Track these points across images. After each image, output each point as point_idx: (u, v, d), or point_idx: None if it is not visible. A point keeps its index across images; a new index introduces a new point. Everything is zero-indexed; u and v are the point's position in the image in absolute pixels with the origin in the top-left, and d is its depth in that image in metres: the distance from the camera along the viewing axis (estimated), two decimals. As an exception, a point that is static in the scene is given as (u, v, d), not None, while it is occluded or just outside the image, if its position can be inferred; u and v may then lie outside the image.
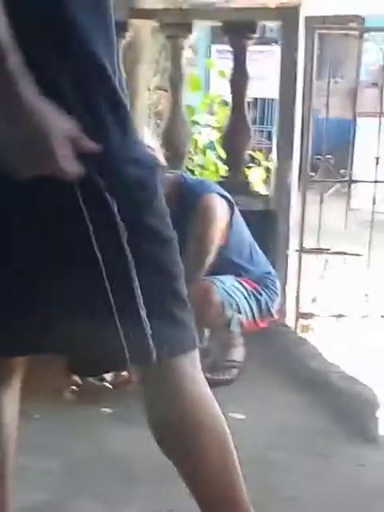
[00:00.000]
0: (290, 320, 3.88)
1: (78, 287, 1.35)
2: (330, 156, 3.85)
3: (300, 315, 3.96)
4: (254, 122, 6.69)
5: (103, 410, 2.89)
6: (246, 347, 3.30)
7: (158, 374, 1.46)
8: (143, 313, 1.38)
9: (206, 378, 3.14)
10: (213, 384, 3.07)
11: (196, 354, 1.50)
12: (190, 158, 4.36)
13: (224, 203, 3.18)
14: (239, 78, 3.81)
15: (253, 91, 4.26)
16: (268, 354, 3.48)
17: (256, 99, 8.80)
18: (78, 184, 1.28)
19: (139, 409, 2.81)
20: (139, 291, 1.36)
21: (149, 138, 4.53)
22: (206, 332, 3.42)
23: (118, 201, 1.33)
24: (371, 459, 2.52)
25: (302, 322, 3.97)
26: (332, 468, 2.45)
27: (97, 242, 1.32)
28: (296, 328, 3.94)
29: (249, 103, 4.08)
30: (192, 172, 4.35)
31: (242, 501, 1.56)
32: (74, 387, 2.99)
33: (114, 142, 1.34)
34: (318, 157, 3.85)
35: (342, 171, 3.88)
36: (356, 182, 3.89)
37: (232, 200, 3.23)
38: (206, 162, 4.54)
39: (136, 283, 1.37)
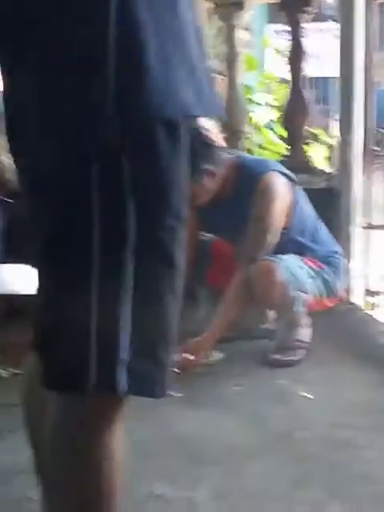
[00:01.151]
0: (357, 298, 3.82)
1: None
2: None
3: (368, 293, 3.89)
4: (318, 102, 6.62)
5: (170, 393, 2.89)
6: (313, 327, 3.26)
7: (79, 408, 1.24)
8: (125, 337, 1.20)
9: (274, 360, 3.17)
10: (280, 365, 3.13)
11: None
12: (248, 138, 4.31)
13: (285, 181, 3.13)
14: (296, 55, 3.76)
15: (316, 70, 4.19)
16: (335, 333, 3.43)
17: (318, 78, 8.70)
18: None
19: (207, 392, 2.86)
20: (129, 309, 1.19)
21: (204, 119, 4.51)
22: (272, 313, 3.40)
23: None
24: None
25: (369, 299, 3.90)
26: (405, 445, 2.40)
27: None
28: (364, 306, 3.87)
29: (311, 81, 4.01)
30: (251, 152, 4.30)
31: None
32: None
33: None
34: (382, 130, 3.75)
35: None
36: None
37: (294, 178, 3.17)
38: (264, 142, 4.48)
39: (126, 300, 1.19)
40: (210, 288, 3.39)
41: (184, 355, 2.96)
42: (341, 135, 3.67)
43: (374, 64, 3.70)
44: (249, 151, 4.35)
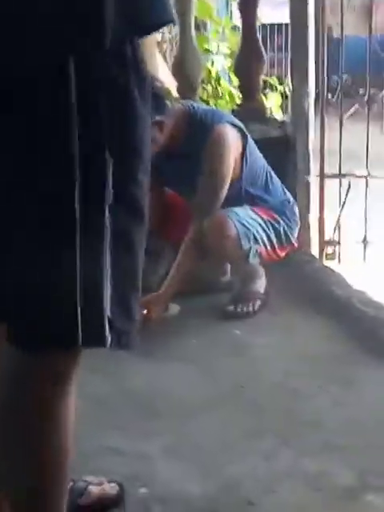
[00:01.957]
0: (314, 248, 3.82)
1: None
2: (346, 76, 3.72)
3: (324, 243, 3.90)
4: (281, 49, 6.50)
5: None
6: (269, 277, 3.26)
7: (31, 364, 1.27)
8: (107, 292, 1.22)
9: (230, 312, 3.18)
10: (236, 317, 3.13)
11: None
12: (203, 88, 4.25)
13: (236, 133, 3.08)
14: (247, 1, 3.68)
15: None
16: (291, 284, 3.43)
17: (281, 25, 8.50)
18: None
19: (163, 345, 2.86)
20: (109, 266, 1.21)
21: (159, 70, 4.44)
22: (228, 265, 3.39)
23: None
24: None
25: (326, 249, 3.91)
26: (355, 393, 2.42)
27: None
28: (320, 256, 3.88)
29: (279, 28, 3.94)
30: (207, 102, 4.24)
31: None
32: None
33: None
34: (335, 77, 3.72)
35: (360, 91, 3.74)
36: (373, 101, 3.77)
37: (245, 129, 3.13)
38: (220, 91, 4.42)
39: (107, 256, 1.21)
40: (165, 241, 3.36)
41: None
42: (293, 83, 3.63)
43: (327, 11, 3.65)
44: (205, 101, 4.30)
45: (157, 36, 4.79)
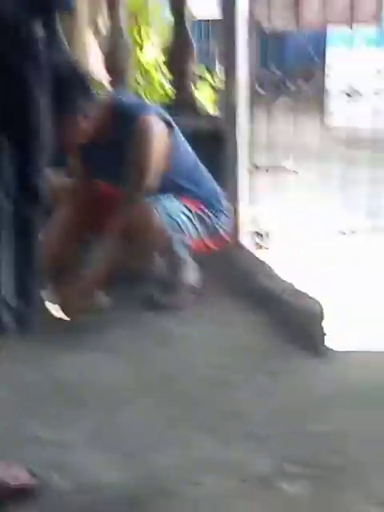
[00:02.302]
0: (244, 239, 3.85)
1: None
2: (275, 69, 3.75)
3: (256, 234, 3.93)
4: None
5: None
6: (201, 269, 3.29)
7: None
8: (6, 279, 1.31)
9: (159, 302, 3.19)
10: (165, 307, 3.15)
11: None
12: (136, 81, 4.25)
13: (162, 125, 3.09)
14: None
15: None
16: (222, 275, 3.47)
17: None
18: None
19: (92, 336, 2.86)
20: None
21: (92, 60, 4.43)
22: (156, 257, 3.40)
23: None
24: (319, 372, 2.53)
25: (257, 240, 3.94)
26: (279, 384, 2.47)
27: None
28: (251, 247, 3.91)
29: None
30: (138, 94, 4.24)
31: None
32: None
33: None
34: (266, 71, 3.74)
35: (288, 84, 3.78)
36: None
37: (171, 121, 3.14)
38: (152, 83, 4.42)
39: (8, 262, 1.29)
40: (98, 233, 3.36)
41: (65, 299, 2.96)
42: (224, 76, 3.64)
43: (255, 4, 3.66)
44: (136, 93, 4.30)
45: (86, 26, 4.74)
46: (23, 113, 1.25)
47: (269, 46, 3.79)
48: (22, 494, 1.79)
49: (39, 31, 1.25)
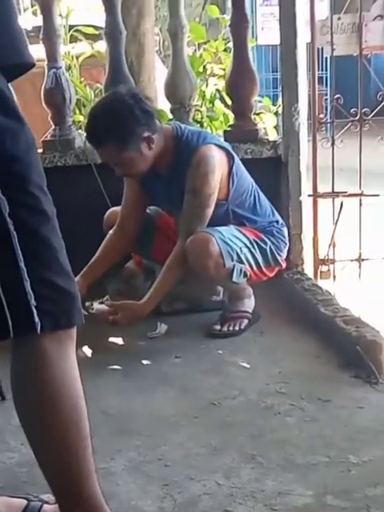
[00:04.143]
0: (308, 267, 3.81)
1: None
2: (338, 96, 3.71)
3: (319, 261, 3.88)
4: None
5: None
6: (259, 297, 3.26)
7: (28, 348, 1.47)
8: (27, 284, 1.39)
9: (216, 331, 3.18)
10: (221, 336, 3.13)
11: (76, 327, 1.52)
12: (198, 110, 4.27)
13: (223, 154, 3.08)
14: (239, 22, 3.71)
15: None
16: (280, 303, 3.44)
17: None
18: None
19: (145, 363, 2.87)
20: (23, 264, 1.38)
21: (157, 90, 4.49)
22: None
23: None
24: (370, 401, 2.45)
25: (321, 268, 3.89)
26: (329, 411, 2.40)
27: None
28: (315, 275, 3.86)
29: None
30: (201, 124, 4.27)
31: (84, 478, 1.58)
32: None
33: None
34: (326, 97, 3.71)
35: (352, 110, 3.73)
36: (366, 120, 3.74)
37: (231, 151, 3.14)
38: (214, 113, 4.45)
39: (19, 256, 1.38)
40: (156, 261, 3.39)
41: (109, 310, 2.98)
42: (283, 103, 3.63)
43: (316, 31, 3.66)
44: (199, 123, 4.32)
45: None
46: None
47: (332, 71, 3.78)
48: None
49: None
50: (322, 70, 5.17)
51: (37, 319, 1.41)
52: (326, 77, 4.06)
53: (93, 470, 1.60)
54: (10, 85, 1.44)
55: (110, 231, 3.29)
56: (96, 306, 3.02)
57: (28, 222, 1.41)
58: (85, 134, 3.16)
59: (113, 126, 2.84)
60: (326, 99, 3.74)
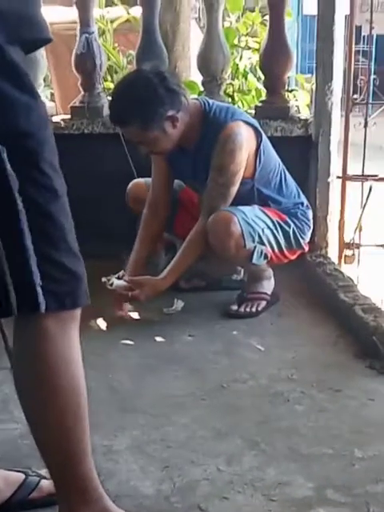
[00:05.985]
0: (333, 251, 3.74)
1: None
2: (374, 76, 3.61)
3: (344, 245, 3.81)
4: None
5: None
6: (280, 278, 3.21)
7: (30, 326, 1.45)
8: (33, 263, 1.37)
9: (232, 310, 3.14)
10: (238, 316, 3.09)
11: (80, 307, 1.50)
12: (230, 83, 4.19)
13: (250, 131, 3.00)
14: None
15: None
16: (300, 286, 3.38)
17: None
18: None
19: (157, 341, 2.85)
20: (30, 242, 1.36)
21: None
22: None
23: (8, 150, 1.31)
24: (382, 394, 2.40)
25: (346, 252, 3.82)
26: (339, 402, 2.35)
27: None
28: (340, 259, 3.79)
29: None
30: (232, 98, 4.18)
31: (78, 458, 1.57)
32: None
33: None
34: (362, 77, 3.61)
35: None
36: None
37: (259, 128, 3.06)
38: (247, 87, 4.35)
39: (27, 233, 1.35)
40: (177, 236, 3.34)
41: (127, 286, 2.95)
42: (317, 80, 3.54)
43: (356, 8, 3.55)
44: (230, 96, 4.23)
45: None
46: (7, 115, 1.35)
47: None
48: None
49: None
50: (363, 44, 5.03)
51: (41, 299, 1.39)
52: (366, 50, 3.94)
53: (88, 452, 1.58)
54: (43, 50, 1.44)
55: (143, 219, 3.20)
56: (115, 281, 2.97)
57: (37, 199, 1.38)
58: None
59: (135, 106, 2.77)
60: (362, 79, 3.62)
